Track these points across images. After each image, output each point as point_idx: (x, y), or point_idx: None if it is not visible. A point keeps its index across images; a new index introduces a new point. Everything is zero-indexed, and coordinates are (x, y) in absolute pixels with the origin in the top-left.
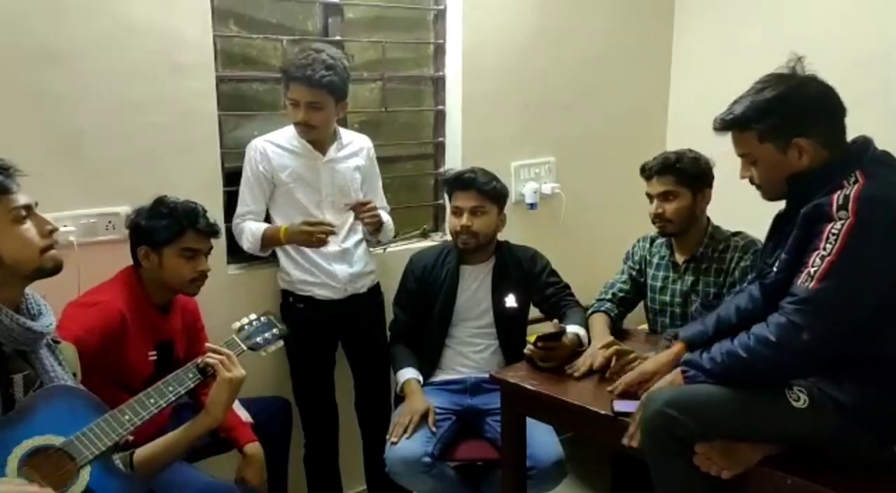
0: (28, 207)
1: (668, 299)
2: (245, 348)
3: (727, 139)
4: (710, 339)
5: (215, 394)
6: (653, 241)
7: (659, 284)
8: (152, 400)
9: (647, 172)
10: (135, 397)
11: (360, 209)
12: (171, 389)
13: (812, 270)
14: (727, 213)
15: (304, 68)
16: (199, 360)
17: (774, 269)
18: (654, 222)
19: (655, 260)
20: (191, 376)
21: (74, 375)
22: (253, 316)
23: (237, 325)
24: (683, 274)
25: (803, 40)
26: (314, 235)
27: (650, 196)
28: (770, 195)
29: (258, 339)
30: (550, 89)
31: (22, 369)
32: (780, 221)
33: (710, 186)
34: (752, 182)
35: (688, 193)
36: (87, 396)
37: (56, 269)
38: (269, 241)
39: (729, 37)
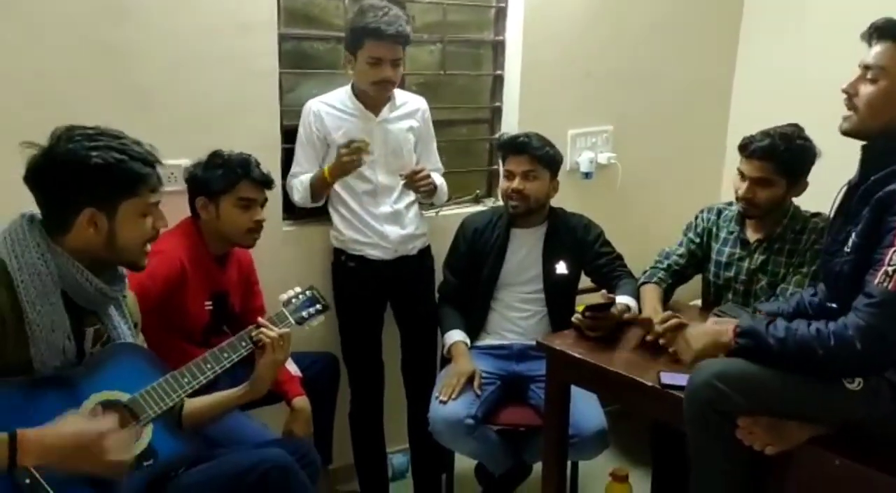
0: (157, 204)
1: (732, 275)
2: (293, 321)
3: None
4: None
5: (262, 372)
6: (720, 213)
7: (724, 259)
8: (209, 365)
9: (746, 151)
10: (192, 361)
11: (413, 178)
12: (225, 355)
13: (890, 269)
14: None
15: (390, 25)
16: (251, 330)
17: (846, 249)
18: (738, 201)
19: (723, 234)
20: (244, 344)
21: (136, 325)
22: (298, 289)
23: (284, 297)
24: (753, 252)
25: (878, 14)
26: (352, 156)
27: (742, 174)
28: (857, 125)
29: (303, 313)
30: (612, 58)
31: (93, 323)
32: (851, 193)
33: (806, 174)
34: (848, 101)
35: (784, 182)
36: (150, 355)
37: (141, 268)
38: (317, 185)
39: (802, 7)
